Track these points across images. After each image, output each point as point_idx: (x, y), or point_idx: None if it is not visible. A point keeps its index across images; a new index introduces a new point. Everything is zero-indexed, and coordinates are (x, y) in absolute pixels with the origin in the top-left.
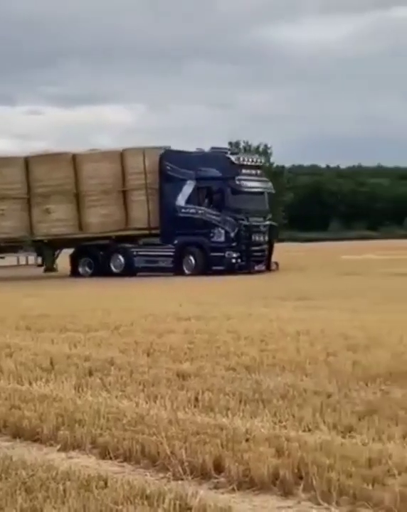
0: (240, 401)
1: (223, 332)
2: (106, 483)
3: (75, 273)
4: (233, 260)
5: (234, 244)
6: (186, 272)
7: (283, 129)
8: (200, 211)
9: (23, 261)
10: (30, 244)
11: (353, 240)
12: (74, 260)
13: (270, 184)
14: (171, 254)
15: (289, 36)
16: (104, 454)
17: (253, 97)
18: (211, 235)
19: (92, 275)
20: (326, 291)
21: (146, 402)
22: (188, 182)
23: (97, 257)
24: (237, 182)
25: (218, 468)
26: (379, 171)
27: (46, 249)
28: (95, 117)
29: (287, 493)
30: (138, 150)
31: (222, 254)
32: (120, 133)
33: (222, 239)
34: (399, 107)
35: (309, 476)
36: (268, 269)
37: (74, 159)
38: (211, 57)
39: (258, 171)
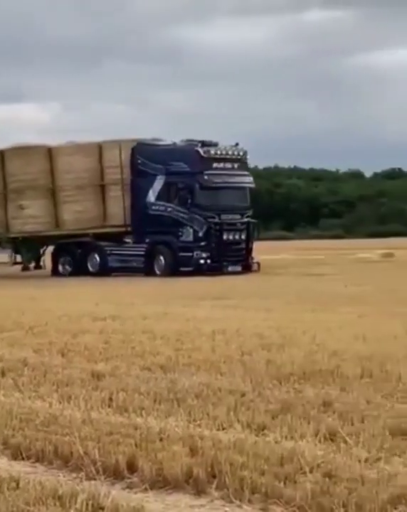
0: (155, 400)
1: (139, 332)
2: (18, 484)
3: (55, 272)
4: (202, 261)
5: (203, 243)
6: (157, 272)
7: (200, 128)
8: (169, 208)
9: (4, 259)
10: (7, 242)
11: (270, 241)
12: (54, 258)
13: (249, 178)
14: (143, 253)
15: (203, 37)
16: (16, 454)
17: (171, 96)
18: (180, 233)
19: (71, 274)
20: (243, 291)
21: (60, 403)
22: (159, 177)
23: (75, 255)
24: (205, 177)
25: (132, 467)
26: (295, 172)
27: (23, 247)
28: (11, 116)
29: (200, 491)
30: (115, 143)
31: (190, 254)
32: (36, 132)
33: (190, 238)
34: (313, 108)
35: (222, 474)
36: (247, 269)
37: (50, 153)
38: (129, 56)
39: (235, 165)
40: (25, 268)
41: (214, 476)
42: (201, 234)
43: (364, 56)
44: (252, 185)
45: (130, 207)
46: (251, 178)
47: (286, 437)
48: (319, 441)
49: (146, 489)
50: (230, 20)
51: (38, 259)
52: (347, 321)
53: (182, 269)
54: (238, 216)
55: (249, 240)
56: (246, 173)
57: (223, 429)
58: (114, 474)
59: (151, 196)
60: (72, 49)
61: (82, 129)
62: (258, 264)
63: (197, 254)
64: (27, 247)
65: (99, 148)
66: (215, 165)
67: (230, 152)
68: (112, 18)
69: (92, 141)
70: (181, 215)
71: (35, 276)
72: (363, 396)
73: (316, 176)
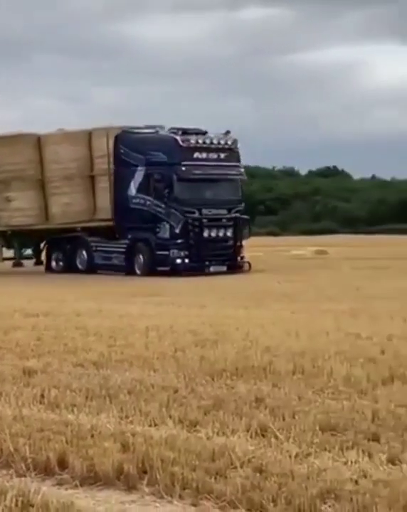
0: (87, 397)
1: (72, 328)
2: None
3: (48, 268)
4: (179, 260)
5: (179, 240)
6: (137, 271)
7: (135, 125)
8: (148, 202)
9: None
10: None
11: None
12: (47, 254)
13: (239, 170)
14: (124, 250)
15: (141, 33)
16: None
17: (105, 91)
18: (157, 230)
19: (63, 271)
20: (177, 288)
21: None
22: (139, 168)
23: (65, 251)
24: (183, 168)
25: (62, 464)
26: None
27: (15, 241)
28: None
29: (131, 487)
30: (103, 130)
31: (166, 252)
32: None
33: (166, 235)
34: (249, 106)
35: (153, 470)
36: (234, 269)
37: (38, 141)
38: (62, 50)
39: (222, 155)
40: (17, 264)
41: (145, 472)
42: (177, 230)
43: (300, 55)
44: (243, 177)
45: (113, 200)
46: (241, 170)
47: (218, 433)
48: (251, 437)
49: (76, 485)
50: (168, 16)
51: (38, 254)
52: (280, 317)
53: (159, 268)
54: (223, 211)
55: (237, 238)
56: (236, 164)
57: (155, 425)
58: (44, 471)
59: (133, 188)
60: (3, 43)
61: (13, 123)
62: (249, 263)
63: (173, 253)
64: (20, 242)
65: (89, 136)
66: (196, 155)
67: (215, 141)
68: (46, 12)
69: (81, 129)
70: (158, 209)
71: (22, 273)
72: (295, 392)
73: (252, 173)
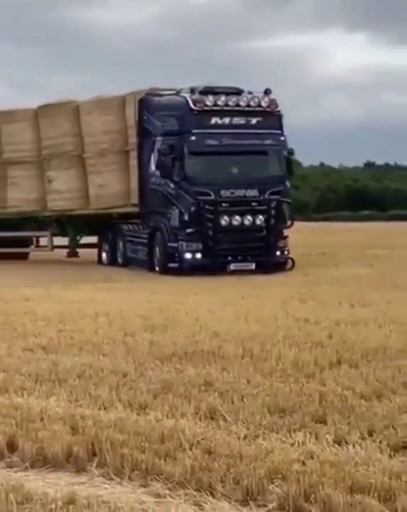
0: (36, 381)
1: (21, 313)
2: None
3: (100, 260)
4: (188, 255)
5: (189, 230)
6: (156, 267)
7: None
8: (162, 181)
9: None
10: (46, 221)
11: None
12: (99, 243)
13: (278, 139)
14: (146, 241)
15: (89, 18)
16: None
17: (58, 78)
18: (169, 216)
19: (109, 263)
20: (129, 274)
21: None
22: (158, 139)
23: (109, 241)
24: (192, 138)
25: (12, 447)
26: None
27: (69, 227)
28: None
29: (80, 469)
30: (132, 95)
31: (176, 244)
32: None
33: (176, 223)
34: None
35: (102, 452)
36: (268, 267)
37: (77, 111)
38: (13, 37)
39: (253, 120)
40: (72, 254)
41: (95, 454)
42: (186, 217)
43: (251, 41)
44: (283, 149)
45: (139, 180)
46: (282, 139)
47: (167, 416)
48: (200, 420)
49: (26, 468)
50: (118, 1)
51: (73, 243)
52: (229, 302)
53: (169, 265)
54: (252, 192)
55: (272, 226)
56: (274, 131)
57: (105, 408)
58: None
59: (152, 165)
60: None
61: None
62: (292, 260)
63: (182, 246)
64: (75, 228)
65: (123, 103)
66: (214, 121)
67: (243, 102)
68: None
69: (114, 95)
70: (170, 190)
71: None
72: (244, 375)
73: None
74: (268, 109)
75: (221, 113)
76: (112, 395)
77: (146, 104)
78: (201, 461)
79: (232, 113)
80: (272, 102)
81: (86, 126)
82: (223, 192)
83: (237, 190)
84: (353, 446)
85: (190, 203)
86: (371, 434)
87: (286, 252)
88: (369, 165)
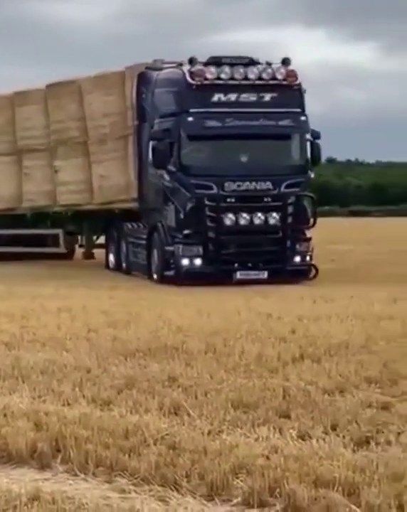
0: None
1: None
2: None
3: (107, 264)
4: (185, 261)
5: (187, 231)
6: (154, 275)
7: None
8: (157, 173)
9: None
10: (57, 218)
11: None
12: (106, 244)
13: (299, 119)
14: (145, 243)
15: (49, 12)
16: None
17: (13, 71)
18: (165, 214)
19: (116, 268)
20: (93, 272)
21: None
22: (156, 121)
23: (115, 241)
24: (189, 118)
25: None
26: None
27: (85, 224)
28: None
29: (44, 466)
30: (130, 70)
31: (172, 248)
32: None
33: (172, 223)
34: None
35: (67, 448)
36: (285, 276)
37: (80, 90)
38: None
39: (267, 96)
40: (88, 255)
41: (59, 451)
42: (182, 214)
43: (210, 36)
44: (304, 131)
45: (137, 170)
46: (302, 119)
47: (131, 411)
48: (164, 415)
49: None
50: None
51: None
52: (192, 298)
53: (165, 272)
54: (265, 184)
55: (292, 226)
56: (291, 109)
57: (68, 404)
58: None
59: (150, 154)
60: None
61: None
62: (315, 267)
63: (179, 250)
64: (90, 226)
65: (123, 79)
66: (217, 97)
67: (254, 75)
68: None
69: (113, 70)
70: (165, 183)
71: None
72: (207, 371)
73: None
74: (285, 83)
75: (226, 88)
76: (76, 391)
77: (145, 80)
78: (166, 456)
79: (239, 88)
80: (291, 74)
81: (88, 108)
82: (227, 184)
83: (245, 182)
84: (317, 440)
85: (187, 198)
86: (334, 429)
87: (308, 258)
88: (331, 161)
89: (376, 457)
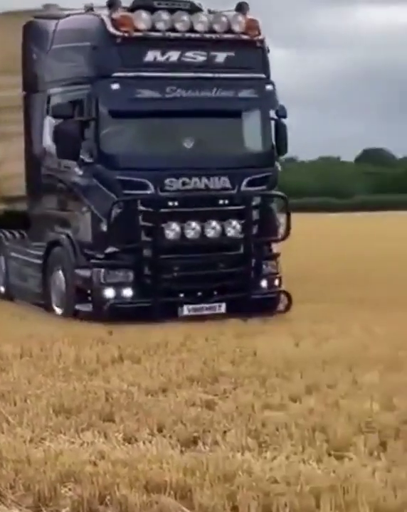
0: None
1: None
2: None
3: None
4: (110, 292)
5: (110, 249)
6: (55, 307)
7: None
8: (61, 165)
9: None
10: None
11: None
12: None
13: (261, 88)
14: (38, 262)
15: None
16: None
17: None
18: (76, 224)
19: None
20: None
21: None
22: (54, 92)
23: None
24: (113, 87)
25: None
26: None
27: None
28: None
29: None
30: (15, 18)
31: (88, 273)
32: None
33: (87, 236)
34: None
35: None
36: (251, 310)
37: None
38: None
39: (220, 56)
40: None
41: None
42: (104, 225)
43: None
44: (269, 106)
45: (26, 160)
46: (267, 88)
47: None
48: None
49: None
50: None
51: None
52: (7, 302)
53: (77, 306)
54: (221, 181)
55: (258, 239)
56: (253, 74)
57: None
58: None
59: (47, 136)
60: None
61: None
62: (287, 295)
63: (98, 276)
64: None
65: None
66: (152, 57)
67: (201, 25)
68: None
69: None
70: (76, 180)
71: None
72: (24, 376)
73: None
74: (244, 37)
75: (163, 43)
76: None
77: (35, 33)
78: None
79: (183, 43)
80: (251, 25)
81: None
82: (169, 182)
83: (193, 178)
84: (144, 443)
85: (111, 201)
86: (160, 430)
87: (276, 282)
88: None
89: (205, 458)
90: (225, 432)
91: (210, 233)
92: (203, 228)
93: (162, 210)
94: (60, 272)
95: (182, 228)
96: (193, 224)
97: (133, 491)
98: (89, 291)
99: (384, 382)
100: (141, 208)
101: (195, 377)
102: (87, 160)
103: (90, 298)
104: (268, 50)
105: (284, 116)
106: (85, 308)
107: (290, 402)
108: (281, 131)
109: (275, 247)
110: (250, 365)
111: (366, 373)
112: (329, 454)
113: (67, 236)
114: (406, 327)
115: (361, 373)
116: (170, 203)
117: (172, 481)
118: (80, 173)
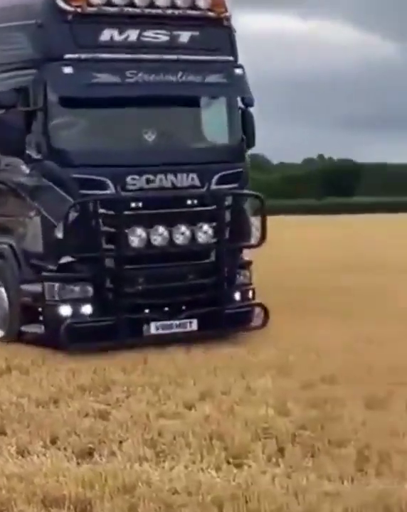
0: None
1: None
2: None
3: None
4: (65, 310)
5: (65, 259)
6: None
7: None
8: (4, 162)
9: None
10: None
11: None
12: None
13: (228, 72)
14: None
15: None
16: None
17: None
18: (22, 232)
19: None
20: None
21: None
22: None
23: None
24: (66, 70)
25: None
26: None
27: None
28: None
29: None
30: None
31: (38, 288)
32: None
33: (37, 245)
34: None
35: None
36: (223, 325)
37: None
38: None
39: (180, 34)
40: None
41: None
42: (59, 232)
43: None
44: (236, 92)
45: None
46: (236, 72)
47: None
48: None
49: None
50: None
51: None
52: None
53: (23, 328)
54: (189, 178)
55: (233, 245)
56: (219, 57)
57: None
58: None
59: None
60: None
61: None
62: (264, 309)
63: (52, 292)
64: None
65: None
66: (108, 36)
67: (165, 1)
68: None
69: None
70: (21, 180)
71: None
72: None
73: None
74: (210, 14)
75: (122, 20)
76: None
77: None
78: None
79: (143, 20)
80: (217, 1)
81: None
82: (131, 179)
83: (158, 175)
84: (38, 456)
85: (67, 203)
86: (54, 442)
87: (250, 294)
88: None
89: (103, 469)
90: (121, 442)
91: (179, 239)
92: (171, 233)
93: (125, 212)
94: (2, 289)
95: (148, 234)
96: (160, 229)
97: (31, 506)
98: (39, 310)
99: (276, 387)
100: (100, 210)
101: (86, 386)
102: (35, 156)
103: (41, 317)
104: (234, 30)
105: (251, 105)
106: (34, 329)
107: (185, 409)
108: (249, 121)
109: (246, 254)
110: (142, 373)
111: (258, 379)
112: (228, 462)
113: (10, 246)
114: (296, 330)
115: (254, 379)
116: (133, 204)
117: (71, 495)
118: (27, 171)
